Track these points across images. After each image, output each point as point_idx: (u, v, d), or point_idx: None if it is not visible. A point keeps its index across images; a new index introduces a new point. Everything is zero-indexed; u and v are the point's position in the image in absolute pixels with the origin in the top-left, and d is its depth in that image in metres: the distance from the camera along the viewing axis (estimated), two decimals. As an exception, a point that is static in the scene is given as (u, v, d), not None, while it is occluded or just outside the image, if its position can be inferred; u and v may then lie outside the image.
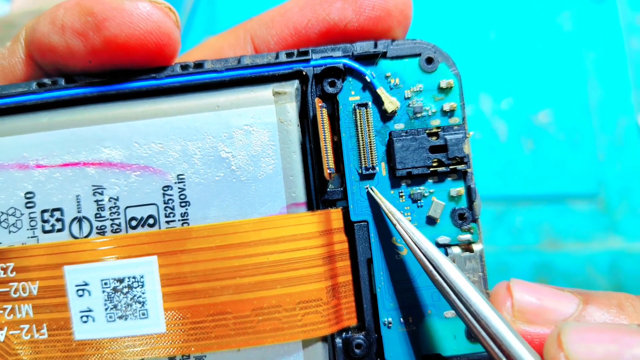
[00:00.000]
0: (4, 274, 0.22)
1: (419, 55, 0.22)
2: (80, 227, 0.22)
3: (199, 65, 0.22)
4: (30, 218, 0.22)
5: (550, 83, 0.67)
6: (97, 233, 0.22)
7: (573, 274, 0.63)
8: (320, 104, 0.22)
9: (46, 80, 0.22)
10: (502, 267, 0.61)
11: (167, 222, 0.22)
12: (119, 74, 0.22)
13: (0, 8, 0.65)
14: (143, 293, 0.21)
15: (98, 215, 0.22)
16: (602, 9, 0.69)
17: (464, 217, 0.22)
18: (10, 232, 0.22)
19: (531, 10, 0.69)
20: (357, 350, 0.22)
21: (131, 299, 0.21)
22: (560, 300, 0.20)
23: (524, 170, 0.65)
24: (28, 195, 0.22)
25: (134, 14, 0.21)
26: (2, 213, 0.22)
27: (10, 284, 0.22)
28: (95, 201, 0.22)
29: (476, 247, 0.22)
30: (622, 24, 0.68)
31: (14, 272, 0.22)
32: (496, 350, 0.18)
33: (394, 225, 0.21)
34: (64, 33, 0.21)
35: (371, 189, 0.22)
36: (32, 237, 0.22)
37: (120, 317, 0.21)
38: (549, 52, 0.68)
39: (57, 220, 0.22)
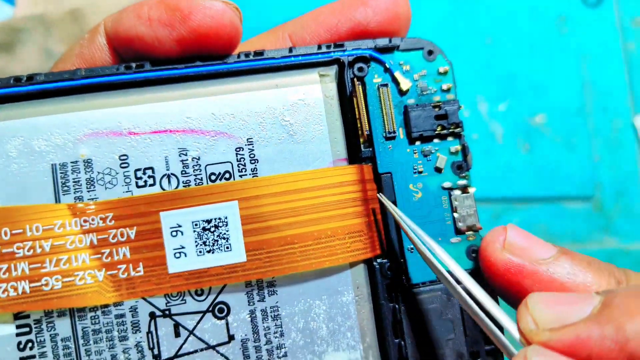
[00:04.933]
0: (104, 223, 0.26)
1: (422, 48, 0.30)
2: (169, 182, 0.27)
3: (259, 53, 0.28)
4: (124, 176, 0.27)
5: (546, 86, 0.67)
6: (184, 186, 0.27)
7: (569, 274, 0.65)
8: (357, 82, 0.29)
9: (132, 64, 0.27)
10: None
11: (240, 175, 0.27)
12: (195, 59, 0.28)
13: (3, 12, 0.65)
14: (227, 231, 0.26)
15: (184, 172, 0.27)
16: (598, 12, 0.69)
17: (461, 167, 0.30)
18: (106, 188, 0.26)
19: (527, 14, 0.70)
20: (388, 272, 0.28)
21: (217, 236, 0.26)
22: (542, 247, 0.26)
23: (521, 171, 0.65)
24: (122, 157, 0.27)
25: (213, 8, 0.27)
26: (99, 173, 0.26)
27: (109, 231, 0.26)
28: (180, 161, 0.27)
29: (470, 189, 0.30)
30: (617, 27, 0.69)
31: (113, 221, 0.26)
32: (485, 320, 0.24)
33: (401, 228, 0.28)
34: (152, 24, 0.27)
35: (380, 195, 0.28)
36: (126, 191, 0.27)
37: (208, 252, 0.26)
38: (545, 55, 0.68)
39: (149, 177, 0.27)
